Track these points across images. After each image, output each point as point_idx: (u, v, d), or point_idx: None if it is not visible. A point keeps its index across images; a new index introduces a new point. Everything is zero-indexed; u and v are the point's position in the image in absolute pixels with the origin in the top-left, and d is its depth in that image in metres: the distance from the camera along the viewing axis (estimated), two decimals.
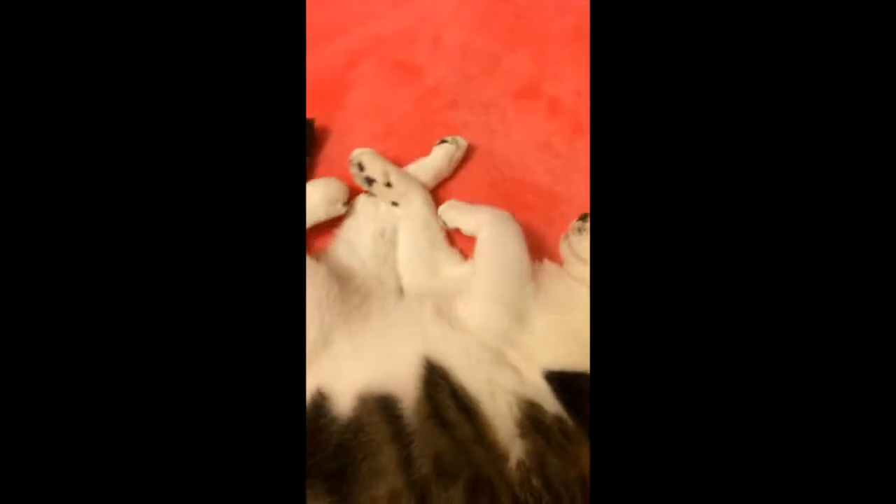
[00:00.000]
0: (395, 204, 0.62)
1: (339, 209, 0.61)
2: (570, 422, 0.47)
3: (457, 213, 0.61)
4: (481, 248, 0.55)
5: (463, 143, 0.67)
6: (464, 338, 0.49)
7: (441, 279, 0.60)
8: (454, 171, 0.68)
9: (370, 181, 0.61)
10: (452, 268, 0.60)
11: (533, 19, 0.79)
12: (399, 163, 0.64)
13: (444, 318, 0.50)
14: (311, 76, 0.75)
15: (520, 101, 0.74)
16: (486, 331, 0.50)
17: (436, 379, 0.46)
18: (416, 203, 0.61)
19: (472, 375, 0.47)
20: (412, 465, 0.44)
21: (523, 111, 0.74)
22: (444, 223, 0.62)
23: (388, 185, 0.61)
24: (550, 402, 0.48)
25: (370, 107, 0.72)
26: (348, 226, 0.62)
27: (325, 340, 0.49)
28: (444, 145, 0.66)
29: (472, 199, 0.63)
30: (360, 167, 0.61)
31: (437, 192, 0.66)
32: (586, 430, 0.47)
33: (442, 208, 0.62)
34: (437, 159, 0.65)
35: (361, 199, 0.63)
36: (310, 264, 0.52)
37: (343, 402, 0.46)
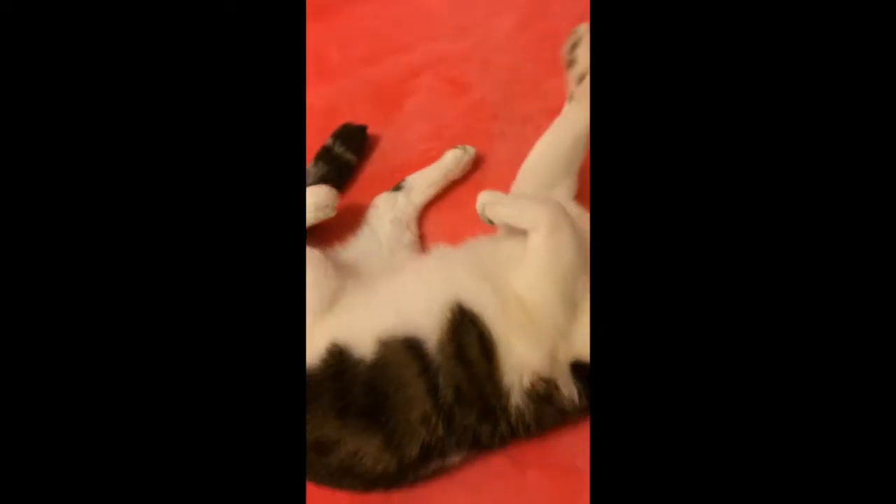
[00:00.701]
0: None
1: (329, 213, 0.66)
2: (576, 401, 0.55)
3: (503, 209, 0.59)
4: (540, 246, 0.55)
5: (471, 149, 0.78)
6: (507, 304, 0.54)
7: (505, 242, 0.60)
8: (489, 173, 0.78)
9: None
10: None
11: None
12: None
13: (486, 276, 0.56)
14: (375, 83, 0.88)
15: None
16: (546, 319, 0.54)
17: (464, 320, 0.54)
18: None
19: (506, 337, 0.54)
20: (438, 393, 0.52)
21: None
22: (484, 216, 0.61)
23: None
24: (567, 385, 0.54)
25: (424, 112, 0.84)
26: (370, 216, 0.73)
27: (328, 308, 0.56)
28: (455, 150, 0.77)
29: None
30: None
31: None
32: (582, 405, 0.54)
33: (482, 202, 0.60)
34: (447, 161, 0.76)
35: (382, 196, 0.74)
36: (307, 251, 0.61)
37: (363, 347, 0.54)
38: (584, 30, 0.63)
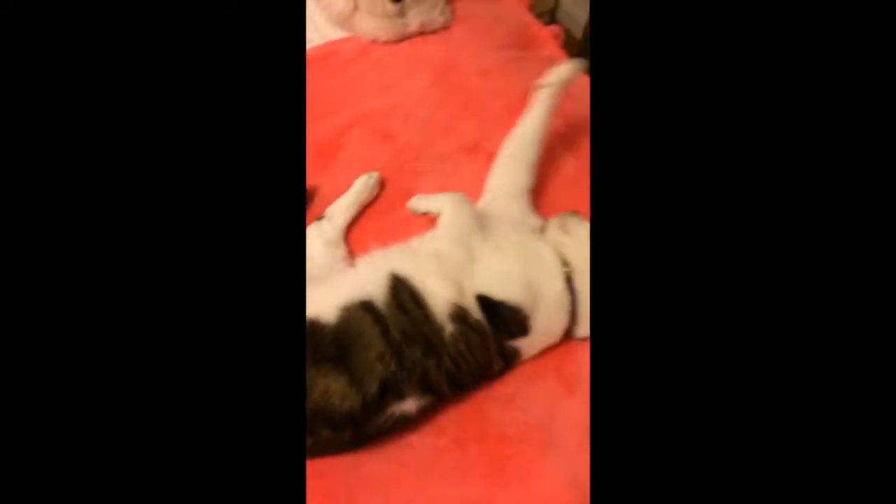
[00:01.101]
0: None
1: None
2: (487, 328, 0.72)
3: (424, 202, 0.86)
4: (445, 216, 0.80)
5: (374, 174, 0.95)
6: (425, 261, 0.74)
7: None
8: None
9: None
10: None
11: (479, 99, 1.08)
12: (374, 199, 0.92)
13: (409, 249, 0.78)
14: (310, 143, 1.02)
15: (468, 155, 1.01)
16: (448, 261, 0.75)
17: (398, 284, 0.71)
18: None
19: (426, 283, 0.72)
20: (389, 335, 0.68)
21: (471, 162, 1.00)
22: (415, 210, 0.87)
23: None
24: (475, 313, 0.72)
25: (356, 160, 0.99)
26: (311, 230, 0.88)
27: None
28: (362, 177, 0.94)
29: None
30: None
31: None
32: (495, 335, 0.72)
33: (411, 202, 0.87)
34: (357, 187, 0.93)
35: (311, 226, 0.88)
36: None
37: (328, 315, 0.69)
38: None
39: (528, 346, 0.76)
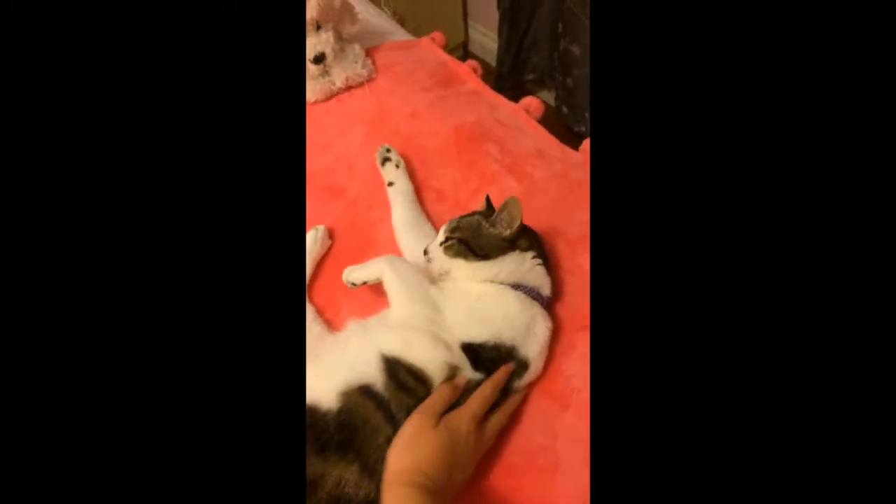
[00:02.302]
0: (390, 184, 0.98)
1: None
2: (481, 379, 0.71)
3: (357, 272, 0.80)
4: (389, 280, 0.77)
5: (321, 227, 0.95)
6: (403, 333, 0.72)
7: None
8: (379, 252, 0.94)
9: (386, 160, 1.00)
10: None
11: (415, 141, 1.12)
12: (333, 255, 0.92)
13: (384, 324, 0.75)
14: None
15: (417, 194, 1.04)
16: (421, 323, 0.72)
17: (393, 365, 0.69)
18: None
19: (416, 356, 0.70)
20: (395, 419, 0.66)
21: (422, 202, 1.02)
22: (352, 284, 0.81)
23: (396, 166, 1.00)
24: (468, 370, 0.71)
25: (311, 220, 0.99)
26: None
27: None
28: (309, 233, 0.93)
29: None
30: (388, 150, 1.02)
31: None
32: (484, 377, 0.71)
33: (344, 276, 0.82)
34: (307, 242, 0.92)
35: None
36: None
37: (328, 401, 0.67)
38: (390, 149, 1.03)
39: (529, 379, 0.76)
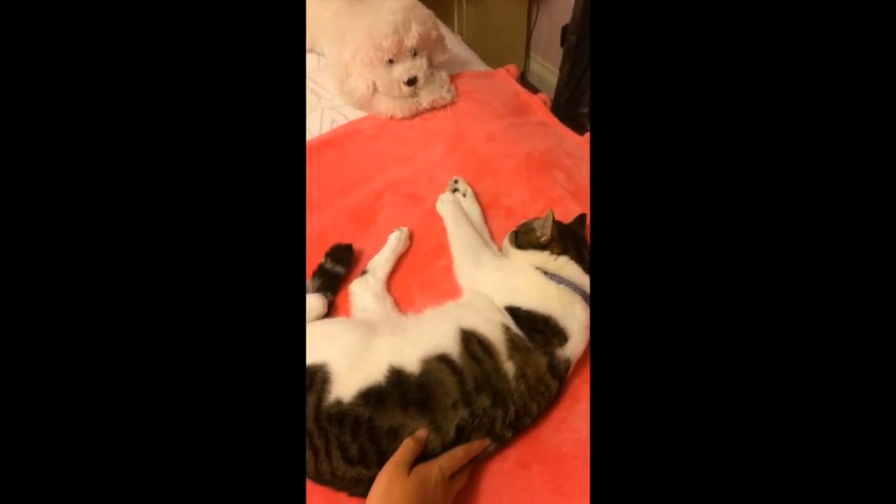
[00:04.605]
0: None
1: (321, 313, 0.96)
2: (525, 338, 0.85)
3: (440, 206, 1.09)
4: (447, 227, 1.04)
5: (405, 229, 1.08)
6: (477, 312, 0.87)
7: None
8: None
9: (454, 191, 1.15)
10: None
11: (490, 162, 1.25)
12: (411, 254, 1.05)
13: (459, 305, 0.92)
14: (350, 210, 1.15)
15: (488, 210, 1.15)
16: (461, 275, 0.97)
17: (468, 336, 0.83)
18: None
19: (484, 327, 0.84)
20: (464, 384, 0.78)
21: (492, 217, 1.14)
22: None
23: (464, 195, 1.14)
24: (513, 326, 0.85)
25: (392, 222, 1.12)
26: (354, 299, 0.98)
27: (366, 344, 0.84)
28: (395, 232, 1.07)
29: None
30: (456, 181, 1.15)
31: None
32: (528, 339, 0.85)
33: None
34: (392, 242, 1.06)
35: (355, 282, 1.01)
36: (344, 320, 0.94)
37: (411, 367, 0.80)
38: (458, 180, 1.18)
39: (573, 350, 0.87)
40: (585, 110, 2.42)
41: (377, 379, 0.79)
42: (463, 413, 0.76)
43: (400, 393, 0.77)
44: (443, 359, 0.80)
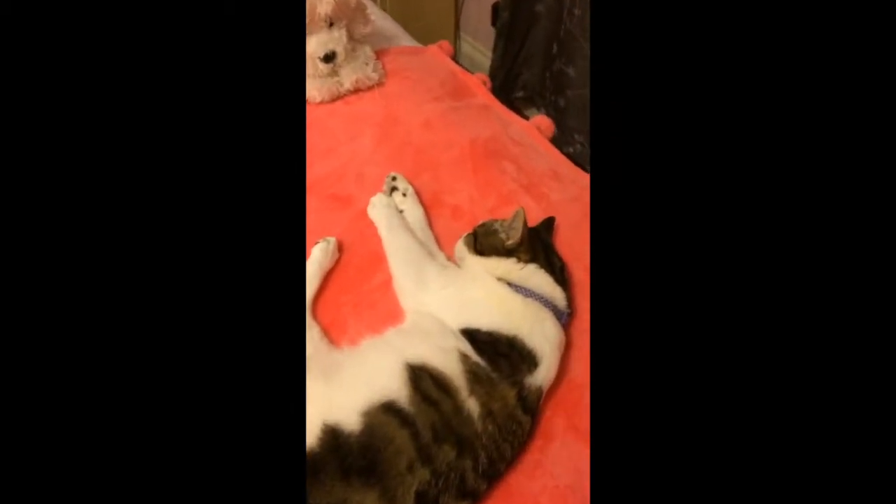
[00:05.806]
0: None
1: None
2: (487, 367, 0.70)
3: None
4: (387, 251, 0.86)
5: (332, 239, 0.89)
6: (426, 339, 0.71)
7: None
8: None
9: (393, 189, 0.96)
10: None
11: (429, 153, 1.07)
12: (340, 269, 0.86)
13: (402, 332, 0.74)
14: None
15: (431, 210, 0.98)
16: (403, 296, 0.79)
17: (418, 373, 0.66)
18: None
19: (436, 359, 0.68)
20: (419, 437, 0.62)
21: (436, 217, 0.97)
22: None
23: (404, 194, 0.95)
24: (472, 353, 0.70)
25: (317, 230, 0.92)
26: None
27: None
28: (319, 244, 0.87)
29: None
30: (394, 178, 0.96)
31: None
32: (492, 368, 0.70)
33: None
34: (316, 255, 0.86)
35: None
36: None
37: (350, 423, 0.63)
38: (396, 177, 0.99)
39: (545, 377, 0.73)
40: (521, 94, 2.31)
41: (308, 443, 0.61)
42: (422, 474, 0.60)
43: (338, 460, 0.60)
44: (389, 408, 0.63)
